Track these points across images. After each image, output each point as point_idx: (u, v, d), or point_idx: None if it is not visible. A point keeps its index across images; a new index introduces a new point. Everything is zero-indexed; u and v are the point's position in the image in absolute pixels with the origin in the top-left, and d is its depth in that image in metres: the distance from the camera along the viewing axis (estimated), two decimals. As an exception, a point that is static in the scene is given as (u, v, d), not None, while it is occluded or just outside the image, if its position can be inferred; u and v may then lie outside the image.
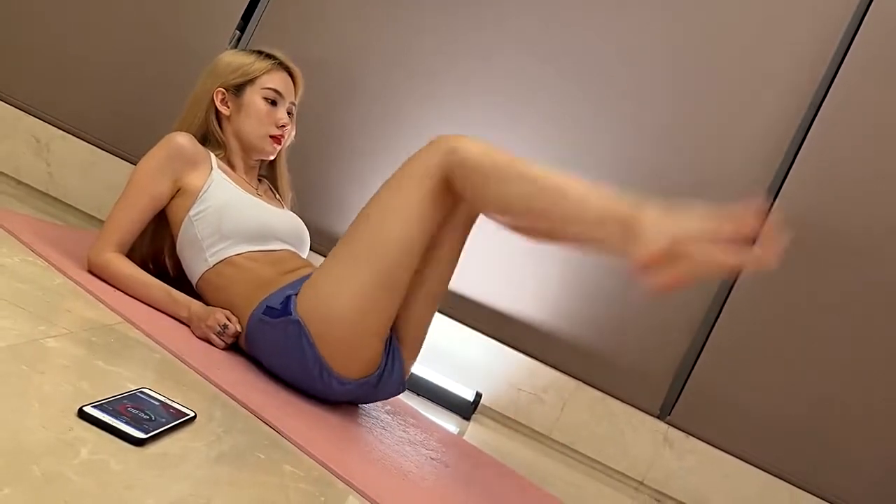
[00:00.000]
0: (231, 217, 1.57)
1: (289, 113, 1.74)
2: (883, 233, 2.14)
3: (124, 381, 1.07)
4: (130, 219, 1.56)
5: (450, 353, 2.14)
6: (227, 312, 1.48)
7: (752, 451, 2.16)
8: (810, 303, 2.16)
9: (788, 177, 2.16)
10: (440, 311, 2.19)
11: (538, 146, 2.22)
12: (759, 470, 2.16)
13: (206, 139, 1.71)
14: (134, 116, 2.24)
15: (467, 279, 2.21)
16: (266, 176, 1.84)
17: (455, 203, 1.40)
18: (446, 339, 2.14)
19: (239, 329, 1.46)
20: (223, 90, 1.70)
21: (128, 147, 2.20)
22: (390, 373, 1.46)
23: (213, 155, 1.66)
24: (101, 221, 2.16)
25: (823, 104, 2.15)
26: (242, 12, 2.26)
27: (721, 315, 2.16)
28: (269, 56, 1.73)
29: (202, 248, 1.57)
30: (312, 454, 1.14)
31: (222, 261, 1.55)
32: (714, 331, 2.16)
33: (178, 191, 1.60)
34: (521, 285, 2.21)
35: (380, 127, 2.25)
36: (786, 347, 2.16)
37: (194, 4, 2.26)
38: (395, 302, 1.41)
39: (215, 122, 1.71)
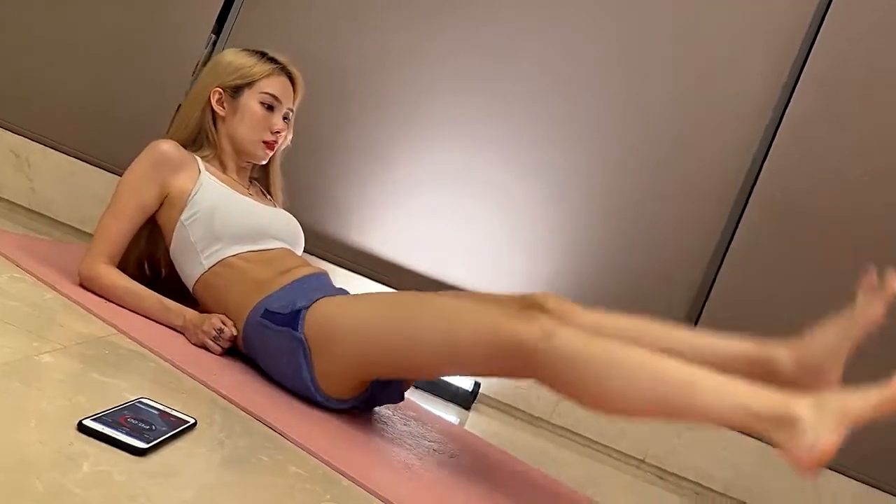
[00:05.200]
0: (223, 217, 1.56)
1: (285, 118, 1.71)
2: (861, 202, 2.16)
3: (122, 392, 1.06)
4: (119, 230, 1.55)
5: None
6: (223, 317, 1.47)
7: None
8: (799, 274, 2.17)
9: (768, 156, 2.16)
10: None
11: (529, 139, 2.22)
12: (756, 440, 2.17)
13: (198, 138, 1.68)
14: (112, 125, 2.22)
15: (460, 270, 2.21)
16: (258, 179, 1.82)
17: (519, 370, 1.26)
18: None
19: (235, 333, 1.46)
20: (220, 90, 1.67)
21: (107, 156, 2.19)
22: (386, 385, 1.43)
23: (198, 158, 1.64)
24: (86, 233, 2.15)
25: (798, 83, 2.16)
26: (217, 16, 2.24)
27: (713, 288, 2.17)
28: (271, 59, 1.70)
29: (196, 253, 1.56)
30: (315, 453, 1.14)
31: (217, 263, 1.54)
32: (707, 305, 2.17)
33: (165, 197, 1.59)
34: (511, 271, 2.22)
35: (364, 127, 2.24)
36: (775, 316, 2.17)
37: (167, 11, 2.24)
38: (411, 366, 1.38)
39: (210, 122, 1.68)
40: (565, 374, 1.19)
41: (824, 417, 1.09)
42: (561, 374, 1.19)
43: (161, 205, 1.59)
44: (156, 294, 1.52)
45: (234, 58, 1.69)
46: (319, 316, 1.36)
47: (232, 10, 2.25)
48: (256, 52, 1.71)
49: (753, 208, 2.17)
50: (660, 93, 2.21)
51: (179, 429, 1.00)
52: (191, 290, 1.58)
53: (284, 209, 1.81)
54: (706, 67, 2.20)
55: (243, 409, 1.21)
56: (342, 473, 1.11)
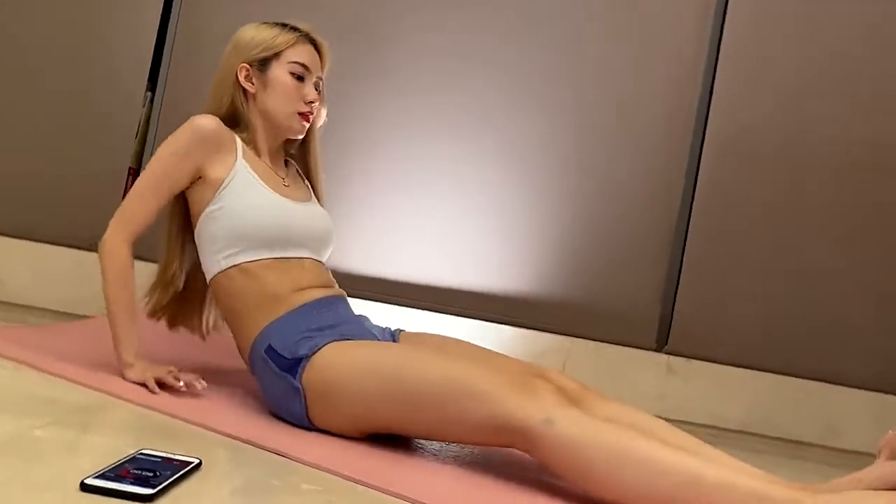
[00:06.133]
0: (248, 221, 1.49)
1: (316, 88, 1.63)
2: (812, 122, 2.19)
3: (122, 448, 1.05)
4: (147, 207, 1.50)
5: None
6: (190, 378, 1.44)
7: (754, 356, 2.19)
8: (769, 201, 2.20)
9: (713, 96, 2.19)
10: (427, 308, 2.20)
11: (504, 134, 2.24)
12: (766, 373, 2.19)
13: (236, 121, 1.60)
14: (66, 203, 2.20)
15: (446, 270, 2.21)
16: (296, 156, 1.73)
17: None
18: (437, 331, 2.13)
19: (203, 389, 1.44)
20: (247, 66, 1.59)
21: (67, 234, 2.17)
22: None
23: (238, 140, 1.56)
24: (62, 313, 2.14)
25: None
26: (148, 73, 2.24)
27: (688, 234, 2.19)
28: (293, 28, 1.62)
29: (216, 251, 1.50)
30: (326, 468, 1.14)
31: (233, 266, 1.49)
32: (686, 251, 2.19)
33: (199, 178, 1.52)
34: (491, 261, 2.22)
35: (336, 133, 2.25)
36: (756, 247, 2.20)
37: (98, 78, 2.23)
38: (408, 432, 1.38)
39: (242, 102, 1.60)
40: (564, 460, 1.18)
41: None
42: (560, 461, 1.19)
43: (193, 182, 1.52)
44: (135, 332, 1.46)
45: (255, 32, 1.61)
46: (320, 368, 1.35)
47: (163, 63, 2.25)
48: (277, 24, 1.63)
49: (709, 154, 2.19)
50: (599, 69, 2.24)
51: (185, 470, 0.99)
52: (207, 281, 1.55)
53: (322, 193, 1.72)
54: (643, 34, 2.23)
55: (245, 441, 1.21)
56: (357, 482, 1.11)
